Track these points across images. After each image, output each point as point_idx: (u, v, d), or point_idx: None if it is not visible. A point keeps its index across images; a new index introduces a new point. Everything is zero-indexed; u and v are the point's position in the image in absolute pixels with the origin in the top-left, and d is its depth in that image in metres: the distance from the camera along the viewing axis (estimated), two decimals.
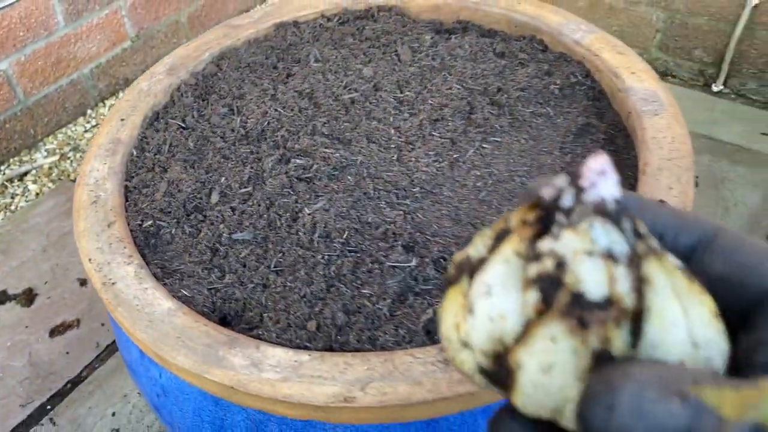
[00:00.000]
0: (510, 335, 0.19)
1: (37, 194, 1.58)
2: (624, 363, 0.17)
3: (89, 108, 1.81)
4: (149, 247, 0.73)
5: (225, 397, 0.59)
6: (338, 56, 0.97)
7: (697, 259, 0.22)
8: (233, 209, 0.75)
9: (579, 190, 0.19)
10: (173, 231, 0.74)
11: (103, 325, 1.25)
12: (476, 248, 0.21)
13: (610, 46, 0.90)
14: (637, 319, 0.18)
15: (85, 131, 1.77)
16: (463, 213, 0.73)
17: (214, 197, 0.77)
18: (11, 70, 1.59)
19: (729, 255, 0.21)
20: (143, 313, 0.62)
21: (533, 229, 0.20)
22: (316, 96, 0.89)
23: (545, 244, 0.19)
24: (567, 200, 0.19)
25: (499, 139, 0.82)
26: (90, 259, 0.68)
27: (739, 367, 0.19)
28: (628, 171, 0.77)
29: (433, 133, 0.82)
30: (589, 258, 0.18)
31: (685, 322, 0.18)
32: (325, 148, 0.80)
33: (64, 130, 1.76)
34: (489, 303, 0.19)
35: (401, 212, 0.72)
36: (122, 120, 0.87)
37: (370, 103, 0.87)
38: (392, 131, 0.83)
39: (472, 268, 0.21)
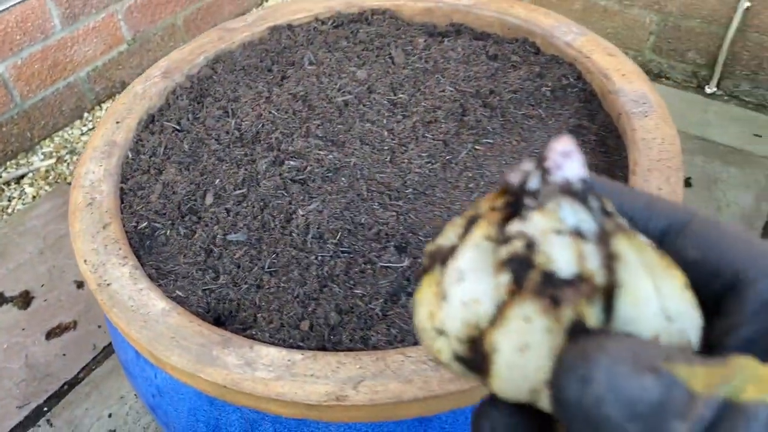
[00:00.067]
0: (484, 319, 0.19)
1: (34, 197, 1.59)
2: (599, 335, 0.17)
3: (86, 111, 1.81)
4: (144, 248, 0.74)
5: (219, 397, 0.59)
6: (332, 59, 0.98)
7: (669, 243, 0.21)
8: (228, 211, 0.76)
9: (545, 172, 0.19)
10: (168, 232, 0.75)
11: (99, 327, 1.25)
12: (447, 237, 0.21)
13: (601, 48, 0.91)
14: (609, 296, 0.18)
15: (82, 134, 1.77)
16: (455, 214, 0.73)
17: (209, 199, 0.78)
18: (8, 73, 1.59)
19: (702, 239, 0.21)
20: (138, 313, 0.63)
21: (502, 214, 0.20)
22: (310, 98, 0.90)
23: (514, 227, 0.19)
24: (533, 183, 0.19)
25: (491, 141, 0.83)
26: (85, 261, 0.69)
27: (712, 348, 0.20)
28: (620, 172, 0.78)
29: (426, 135, 0.83)
30: (557, 237, 0.18)
31: (656, 296, 0.18)
32: (319, 150, 0.81)
33: (60, 133, 1.77)
34: (462, 288, 0.19)
35: (394, 213, 0.73)
36: (117, 123, 0.88)
37: (364, 105, 0.88)
38: (385, 133, 0.84)
39: (444, 257, 0.21)
